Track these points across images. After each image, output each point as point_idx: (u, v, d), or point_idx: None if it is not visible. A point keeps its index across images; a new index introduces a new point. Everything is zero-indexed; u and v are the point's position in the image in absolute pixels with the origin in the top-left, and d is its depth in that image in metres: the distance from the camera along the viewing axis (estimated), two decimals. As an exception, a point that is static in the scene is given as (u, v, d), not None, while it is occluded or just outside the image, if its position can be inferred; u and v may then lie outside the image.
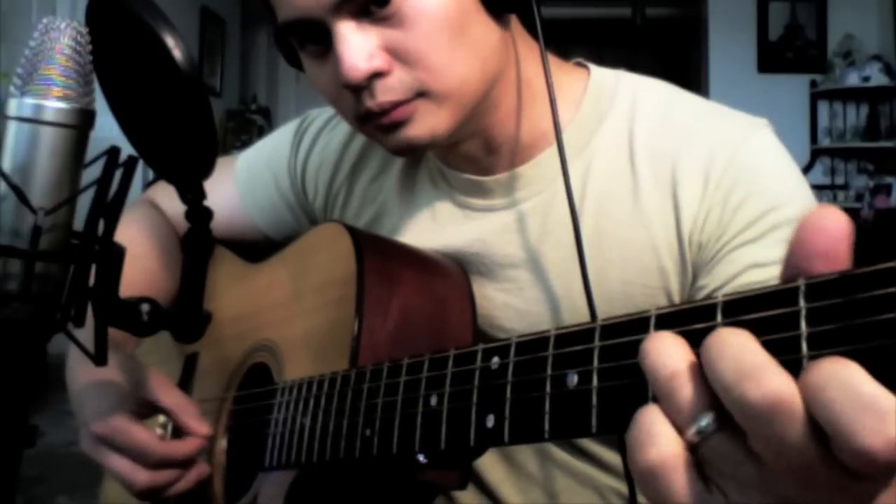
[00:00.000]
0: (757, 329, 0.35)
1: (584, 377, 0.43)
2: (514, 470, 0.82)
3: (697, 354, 0.36)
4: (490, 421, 0.49)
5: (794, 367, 0.33)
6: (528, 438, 0.47)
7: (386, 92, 0.69)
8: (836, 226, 0.34)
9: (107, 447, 0.75)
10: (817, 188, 5.20)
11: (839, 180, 5.59)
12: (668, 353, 0.36)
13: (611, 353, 0.42)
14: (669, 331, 0.38)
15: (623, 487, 0.78)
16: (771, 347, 0.34)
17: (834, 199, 5.38)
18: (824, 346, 0.33)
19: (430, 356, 0.56)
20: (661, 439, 0.36)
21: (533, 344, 0.48)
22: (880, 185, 5.17)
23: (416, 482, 0.65)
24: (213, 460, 0.85)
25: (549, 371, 0.46)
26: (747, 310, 0.36)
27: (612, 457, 0.80)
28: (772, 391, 0.32)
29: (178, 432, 0.80)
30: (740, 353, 0.33)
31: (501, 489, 0.83)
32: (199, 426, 0.78)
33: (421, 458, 0.62)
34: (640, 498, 0.74)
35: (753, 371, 0.33)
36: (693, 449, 0.36)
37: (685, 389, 0.35)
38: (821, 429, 0.31)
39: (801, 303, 0.34)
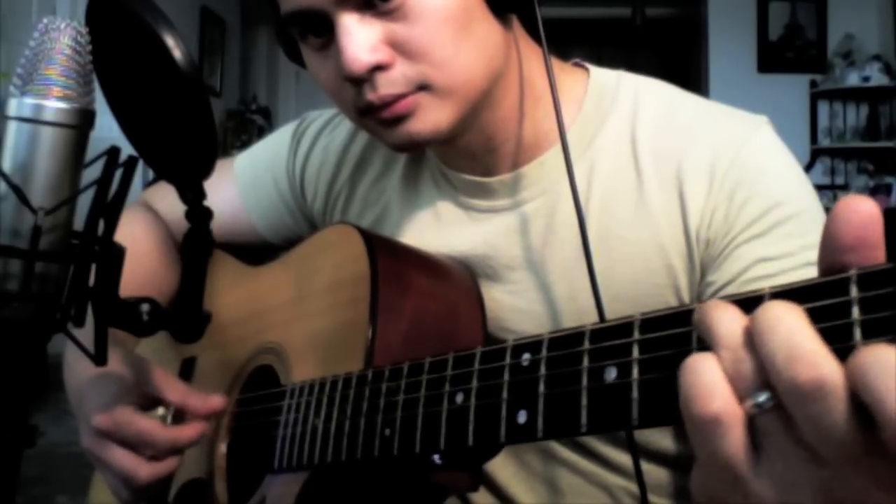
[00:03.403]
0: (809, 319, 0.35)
1: (624, 370, 0.43)
2: (523, 469, 0.82)
3: None
4: (522, 417, 0.49)
5: (846, 355, 0.34)
6: (564, 433, 0.47)
7: (388, 85, 0.69)
8: (863, 214, 0.35)
9: (109, 441, 0.74)
10: (817, 188, 5.13)
11: (839, 180, 5.58)
12: (732, 322, 0.37)
13: (652, 346, 0.42)
14: (728, 300, 0.38)
15: (633, 486, 0.78)
16: (823, 336, 0.34)
17: (834, 199, 5.37)
18: (877, 333, 0.34)
19: (454, 354, 0.56)
20: (723, 394, 0.36)
21: (567, 339, 0.48)
22: (880, 185, 5.17)
23: (428, 484, 0.65)
24: (213, 463, 0.84)
25: (585, 364, 0.46)
26: (796, 300, 0.36)
27: (619, 457, 0.79)
28: (819, 376, 0.33)
29: (179, 422, 0.78)
30: (791, 334, 0.34)
31: (511, 489, 0.82)
32: (207, 402, 0.76)
33: (436, 458, 0.62)
34: (651, 497, 0.74)
35: (803, 355, 0.33)
36: (751, 417, 0.36)
37: (748, 362, 0.36)
38: (866, 414, 0.32)
39: (854, 292, 0.35)
